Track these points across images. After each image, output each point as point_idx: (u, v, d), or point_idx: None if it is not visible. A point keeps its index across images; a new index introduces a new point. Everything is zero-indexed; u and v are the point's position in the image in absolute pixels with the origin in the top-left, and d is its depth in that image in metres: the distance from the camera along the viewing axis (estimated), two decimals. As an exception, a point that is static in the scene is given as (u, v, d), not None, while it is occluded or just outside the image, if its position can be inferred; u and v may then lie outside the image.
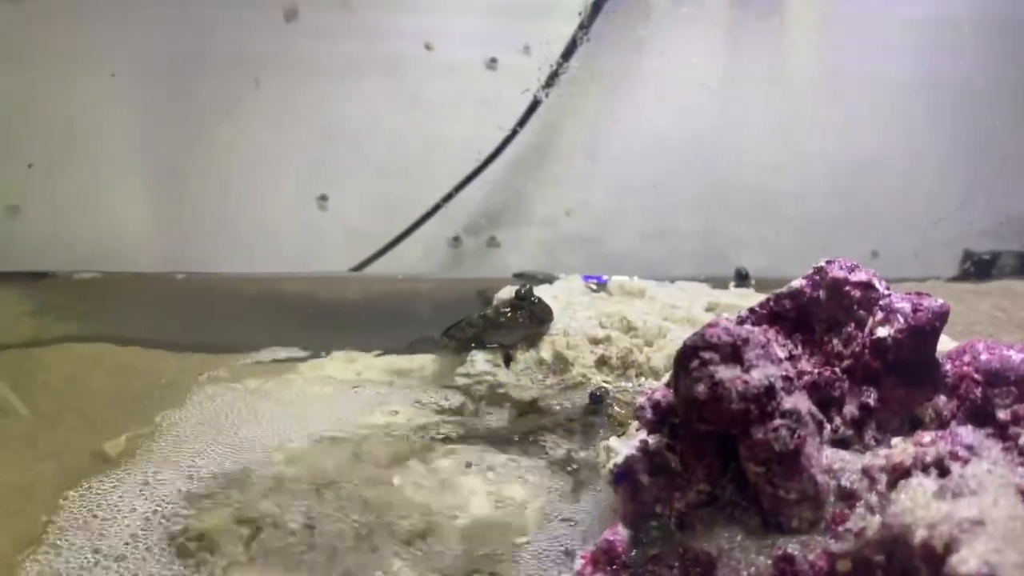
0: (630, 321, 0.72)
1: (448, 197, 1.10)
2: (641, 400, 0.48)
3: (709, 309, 0.78)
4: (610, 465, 0.48)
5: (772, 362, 0.43)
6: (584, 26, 1.07)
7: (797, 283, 0.47)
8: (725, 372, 0.42)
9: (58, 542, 0.54)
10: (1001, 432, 0.40)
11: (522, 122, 1.07)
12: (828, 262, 0.46)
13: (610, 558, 0.45)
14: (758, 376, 0.42)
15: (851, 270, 0.45)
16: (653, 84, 1.20)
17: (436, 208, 1.11)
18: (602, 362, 0.68)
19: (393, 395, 0.69)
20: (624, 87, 1.19)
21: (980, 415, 0.42)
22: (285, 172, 1.16)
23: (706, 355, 0.43)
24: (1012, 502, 0.36)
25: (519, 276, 0.94)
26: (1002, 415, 0.41)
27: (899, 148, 1.23)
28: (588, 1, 1.08)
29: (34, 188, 1.14)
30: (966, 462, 0.39)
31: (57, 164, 1.13)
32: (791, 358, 0.45)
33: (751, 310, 0.47)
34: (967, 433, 0.41)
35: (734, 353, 0.43)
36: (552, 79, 1.08)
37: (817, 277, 0.46)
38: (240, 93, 1.10)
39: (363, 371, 0.77)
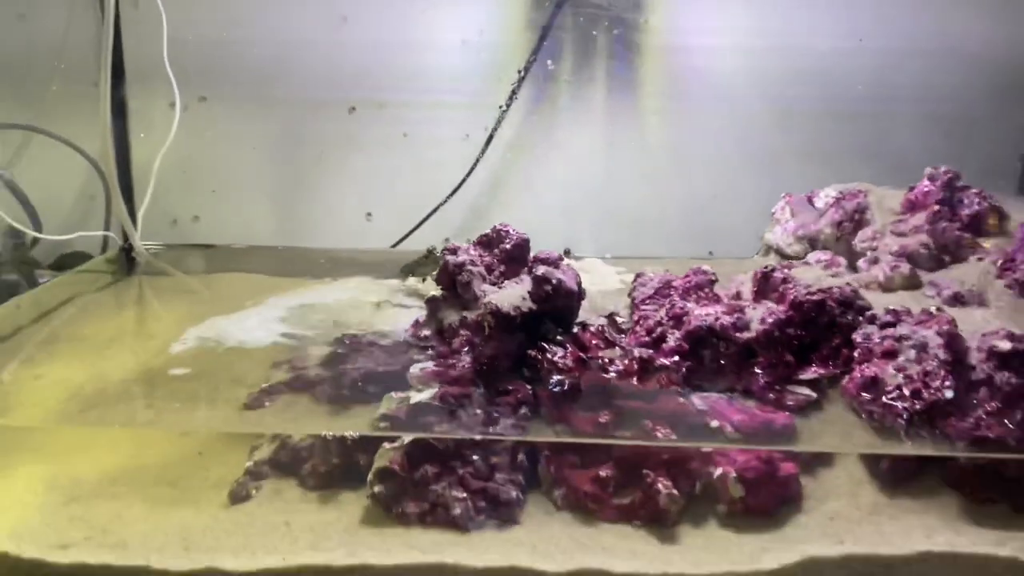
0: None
1: (433, 211, 1.91)
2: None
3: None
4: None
5: (468, 253, 1.23)
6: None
7: (487, 231, 1.25)
8: (452, 258, 1.22)
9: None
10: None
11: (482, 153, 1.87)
12: (501, 225, 1.25)
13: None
14: (461, 258, 1.22)
15: (504, 227, 1.24)
16: (563, 147, 1.99)
17: (427, 218, 1.93)
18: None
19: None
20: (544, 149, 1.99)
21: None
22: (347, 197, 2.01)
23: (447, 253, 1.23)
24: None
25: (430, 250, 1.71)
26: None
27: (725, 188, 1.97)
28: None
29: (208, 204, 2.03)
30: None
31: (222, 188, 2.02)
32: (480, 256, 1.23)
33: (472, 242, 1.26)
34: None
35: (454, 251, 1.23)
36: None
37: (490, 230, 1.25)
38: (325, 154, 1.97)
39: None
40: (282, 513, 1.05)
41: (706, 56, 1.91)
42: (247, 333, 1.32)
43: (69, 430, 1.22)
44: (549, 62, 1.85)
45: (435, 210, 1.87)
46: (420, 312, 1.37)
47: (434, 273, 1.47)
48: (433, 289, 1.49)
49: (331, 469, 1.10)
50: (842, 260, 1.44)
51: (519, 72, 1.83)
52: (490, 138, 1.84)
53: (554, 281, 1.14)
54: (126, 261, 1.74)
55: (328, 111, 1.94)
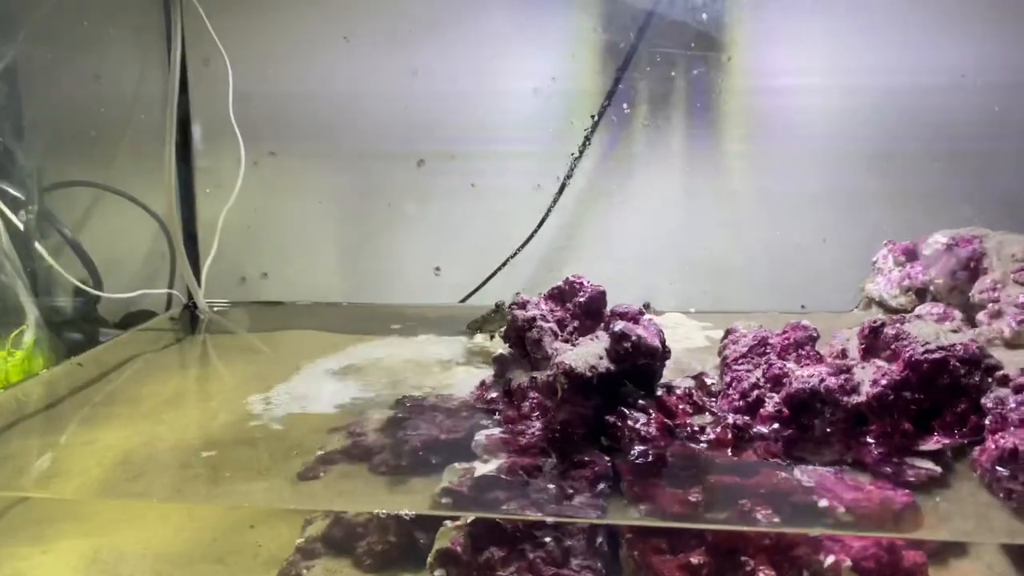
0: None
1: (502, 265, 1.83)
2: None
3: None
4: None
5: (538, 307, 1.12)
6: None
7: (559, 283, 1.15)
8: (520, 313, 1.12)
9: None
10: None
11: (554, 202, 1.79)
12: (575, 276, 1.15)
13: (482, 386, 1.16)
14: (530, 313, 1.12)
15: (578, 279, 1.14)
16: (640, 195, 1.89)
17: (496, 272, 1.84)
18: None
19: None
20: (620, 197, 1.89)
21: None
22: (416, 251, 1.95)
23: (515, 308, 1.13)
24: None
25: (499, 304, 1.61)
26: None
27: (816, 236, 1.83)
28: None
29: (277, 261, 1.99)
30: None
31: (291, 244, 1.98)
32: (552, 310, 1.13)
33: (543, 295, 1.16)
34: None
35: (523, 305, 1.13)
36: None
37: (563, 282, 1.15)
38: (393, 208, 1.92)
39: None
40: (336, 598, 0.95)
41: (793, 96, 1.79)
42: (306, 396, 1.24)
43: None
44: (625, 106, 1.76)
45: (504, 264, 1.79)
46: (487, 371, 1.27)
47: (503, 329, 1.38)
48: (502, 346, 1.40)
49: (388, 548, 1.00)
50: (957, 313, 1.29)
51: (592, 117, 1.74)
52: (562, 187, 1.75)
53: (634, 338, 1.03)
54: (190, 319, 1.69)
55: (397, 164, 1.89)
